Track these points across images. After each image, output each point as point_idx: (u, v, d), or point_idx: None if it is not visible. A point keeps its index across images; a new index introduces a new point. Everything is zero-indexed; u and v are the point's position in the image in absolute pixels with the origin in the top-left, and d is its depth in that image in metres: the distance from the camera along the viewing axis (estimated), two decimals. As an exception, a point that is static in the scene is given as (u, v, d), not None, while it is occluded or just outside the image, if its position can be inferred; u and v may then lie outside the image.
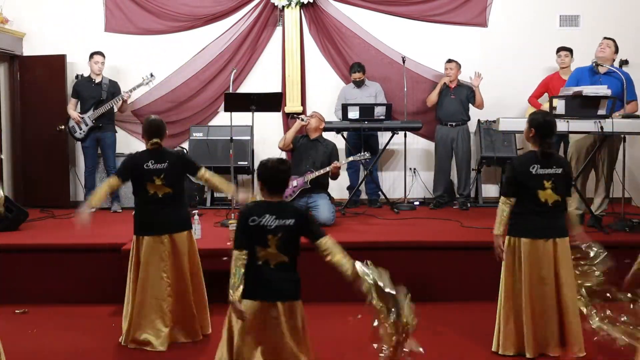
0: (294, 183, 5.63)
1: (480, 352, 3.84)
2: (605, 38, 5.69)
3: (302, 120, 5.87)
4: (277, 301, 2.89)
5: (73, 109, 6.87)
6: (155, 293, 3.88)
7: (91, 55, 6.86)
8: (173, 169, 3.93)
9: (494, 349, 3.77)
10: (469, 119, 6.94)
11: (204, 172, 4.06)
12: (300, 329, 2.96)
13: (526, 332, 3.65)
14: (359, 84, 7.04)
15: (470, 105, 6.92)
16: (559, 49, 6.75)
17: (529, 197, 3.67)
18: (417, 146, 7.46)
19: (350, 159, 6.07)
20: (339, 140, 6.62)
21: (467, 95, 6.88)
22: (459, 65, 6.91)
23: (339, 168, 5.68)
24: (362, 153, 5.98)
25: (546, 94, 6.72)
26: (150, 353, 3.85)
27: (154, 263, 3.88)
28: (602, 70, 5.58)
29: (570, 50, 6.69)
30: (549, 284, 3.62)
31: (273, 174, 2.96)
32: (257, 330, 2.91)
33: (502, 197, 3.77)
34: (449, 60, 6.91)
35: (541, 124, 3.70)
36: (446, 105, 6.88)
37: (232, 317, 2.97)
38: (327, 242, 2.96)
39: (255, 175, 6.81)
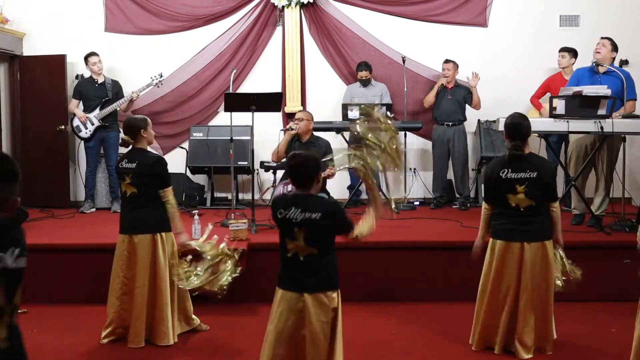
0: (289, 187, 5.58)
1: (479, 352, 3.84)
2: (601, 38, 5.69)
3: (292, 129, 5.82)
4: (304, 293, 2.89)
5: (76, 109, 6.88)
6: (113, 292, 4.01)
7: (86, 59, 6.88)
8: (140, 171, 3.96)
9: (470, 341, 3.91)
10: (465, 119, 6.95)
11: (169, 195, 3.97)
12: (327, 323, 2.91)
13: (479, 328, 3.81)
14: (365, 82, 7.03)
15: (467, 105, 6.93)
16: (560, 50, 6.73)
17: (500, 200, 3.72)
18: (417, 146, 7.46)
19: (344, 166, 6.03)
20: (339, 141, 6.61)
21: (464, 95, 6.88)
22: (456, 66, 6.91)
23: (334, 174, 5.63)
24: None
25: (548, 94, 6.72)
26: (150, 351, 3.86)
27: (116, 261, 4.02)
28: (601, 70, 5.59)
29: (570, 51, 6.64)
30: (510, 287, 3.68)
31: (292, 171, 3.02)
32: (287, 320, 2.91)
33: (483, 203, 3.87)
34: (447, 61, 6.91)
35: (507, 125, 3.74)
36: (443, 105, 6.88)
37: (273, 305, 2.99)
38: (357, 231, 2.98)
39: (255, 175, 6.83)
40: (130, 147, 4.07)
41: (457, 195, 6.97)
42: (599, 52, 5.60)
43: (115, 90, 6.90)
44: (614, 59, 5.71)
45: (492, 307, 3.74)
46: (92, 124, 6.79)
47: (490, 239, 3.80)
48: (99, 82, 6.88)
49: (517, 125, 3.71)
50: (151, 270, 3.94)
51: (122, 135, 4.11)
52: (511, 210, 3.66)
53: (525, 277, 3.65)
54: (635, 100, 5.70)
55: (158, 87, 7.04)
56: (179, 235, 4.03)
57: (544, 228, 3.72)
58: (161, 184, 3.97)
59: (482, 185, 4.34)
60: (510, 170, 3.65)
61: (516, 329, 3.71)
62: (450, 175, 7.08)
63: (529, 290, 3.66)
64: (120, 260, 3.99)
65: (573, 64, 6.59)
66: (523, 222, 3.65)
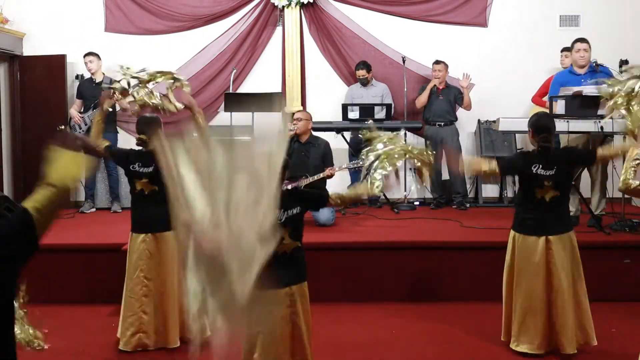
0: (289, 187, 5.56)
1: (477, 351, 3.84)
2: (579, 42, 5.63)
3: (290, 130, 5.81)
4: (291, 285, 2.91)
5: (77, 109, 6.89)
6: (133, 293, 3.87)
7: (83, 58, 6.89)
8: (159, 172, 3.91)
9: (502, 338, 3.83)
10: (456, 119, 6.95)
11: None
12: (309, 311, 3.00)
13: (513, 326, 3.70)
14: (364, 82, 7.02)
15: (457, 105, 6.94)
16: (562, 49, 6.68)
17: (527, 191, 3.74)
18: (417, 146, 7.43)
19: (344, 166, 6.04)
20: (338, 141, 6.61)
21: (455, 95, 6.88)
22: (447, 66, 6.91)
23: (334, 174, 5.63)
24: (356, 161, 5.98)
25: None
26: (149, 353, 3.85)
27: (134, 261, 3.87)
28: (582, 71, 5.59)
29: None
30: (538, 282, 3.64)
31: None
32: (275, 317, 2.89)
33: (498, 164, 3.77)
34: (437, 62, 6.88)
35: (534, 123, 3.77)
36: (435, 105, 6.87)
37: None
38: (333, 195, 3.12)
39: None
40: (141, 148, 3.98)
41: (454, 195, 6.94)
42: (582, 58, 5.60)
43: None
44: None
45: (517, 304, 3.67)
46: (85, 124, 6.79)
47: (511, 232, 3.78)
48: (97, 82, 6.88)
49: (545, 124, 3.73)
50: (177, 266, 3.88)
51: (138, 135, 4.03)
52: (536, 203, 3.66)
53: (557, 272, 3.61)
54: None
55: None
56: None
57: (567, 220, 3.77)
58: None
59: (510, 158, 4.17)
60: (540, 166, 3.65)
61: (555, 326, 3.64)
62: (445, 175, 7.07)
63: (562, 285, 3.61)
64: (141, 260, 3.86)
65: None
66: (547, 215, 3.65)
